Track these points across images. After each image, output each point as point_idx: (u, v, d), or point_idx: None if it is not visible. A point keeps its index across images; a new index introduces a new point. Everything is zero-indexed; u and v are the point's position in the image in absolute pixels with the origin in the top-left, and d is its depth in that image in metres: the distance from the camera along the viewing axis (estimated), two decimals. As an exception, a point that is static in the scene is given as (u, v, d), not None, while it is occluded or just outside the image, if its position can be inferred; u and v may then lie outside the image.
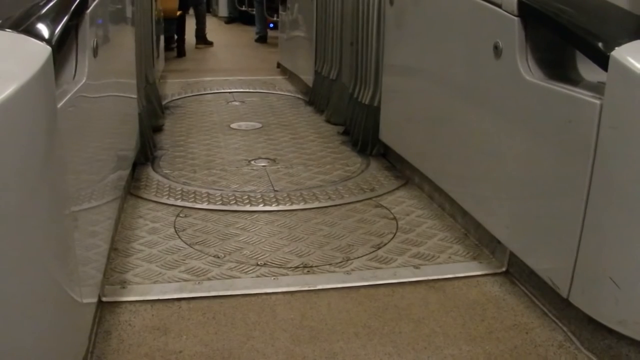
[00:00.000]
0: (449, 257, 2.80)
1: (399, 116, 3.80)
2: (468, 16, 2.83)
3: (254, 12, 11.01)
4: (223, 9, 14.20)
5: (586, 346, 2.16)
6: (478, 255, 2.81)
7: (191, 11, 9.89)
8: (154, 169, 3.89)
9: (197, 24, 9.88)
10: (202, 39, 9.97)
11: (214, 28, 11.82)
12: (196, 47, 9.80)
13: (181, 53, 8.94)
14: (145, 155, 3.99)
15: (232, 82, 6.91)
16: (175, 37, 8.98)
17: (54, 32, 1.73)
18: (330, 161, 4.13)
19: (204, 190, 3.53)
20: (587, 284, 2.09)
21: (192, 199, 3.40)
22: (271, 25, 10.46)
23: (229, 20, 13.79)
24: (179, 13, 8.45)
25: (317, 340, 2.19)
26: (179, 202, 3.36)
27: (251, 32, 11.17)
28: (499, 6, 2.49)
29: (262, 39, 10.69)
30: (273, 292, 2.49)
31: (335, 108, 5.06)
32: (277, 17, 8.11)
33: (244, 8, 12.29)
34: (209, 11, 14.23)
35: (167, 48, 8.72)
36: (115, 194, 2.79)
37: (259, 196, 3.47)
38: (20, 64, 1.47)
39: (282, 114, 5.46)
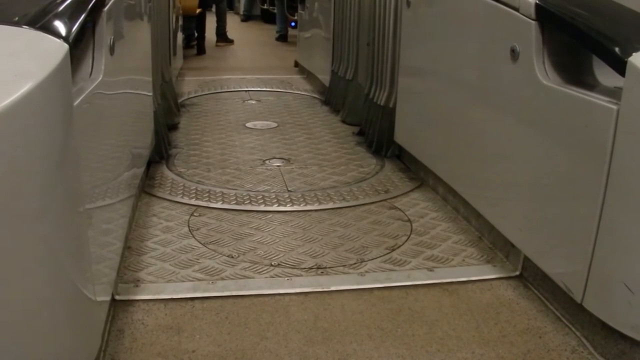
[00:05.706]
0: (463, 260, 2.79)
1: (414, 118, 3.79)
2: (485, 19, 2.82)
3: (275, 11, 11.02)
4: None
5: (599, 351, 2.14)
6: (492, 258, 2.80)
7: (214, 8, 9.91)
8: (168, 168, 3.90)
9: (218, 21, 9.90)
10: (222, 36, 9.98)
11: (235, 26, 11.84)
12: (216, 45, 9.82)
13: (201, 51, 8.95)
14: (160, 153, 4.00)
15: (249, 80, 6.92)
16: (196, 34, 9.00)
17: (71, 29, 1.73)
18: (344, 162, 4.12)
19: (218, 190, 3.54)
20: (600, 288, 2.08)
21: (207, 198, 3.41)
22: (293, 24, 10.44)
23: (245, 18, 13.78)
24: (198, 11, 8.46)
25: (330, 342, 2.19)
26: (193, 201, 3.37)
27: (272, 30, 11.19)
28: (517, 9, 2.48)
29: (282, 37, 10.70)
30: (287, 293, 2.49)
31: (350, 108, 5.05)
32: (298, 16, 8.11)
33: (265, 6, 12.30)
34: (231, 9, 14.26)
35: (187, 46, 8.75)
36: (130, 192, 2.80)
37: (273, 196, 3.47)
38: (37, 62, 1.48)
39: (298, 114, 5.46)
